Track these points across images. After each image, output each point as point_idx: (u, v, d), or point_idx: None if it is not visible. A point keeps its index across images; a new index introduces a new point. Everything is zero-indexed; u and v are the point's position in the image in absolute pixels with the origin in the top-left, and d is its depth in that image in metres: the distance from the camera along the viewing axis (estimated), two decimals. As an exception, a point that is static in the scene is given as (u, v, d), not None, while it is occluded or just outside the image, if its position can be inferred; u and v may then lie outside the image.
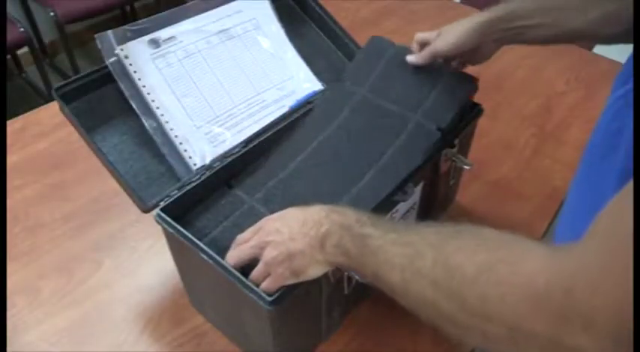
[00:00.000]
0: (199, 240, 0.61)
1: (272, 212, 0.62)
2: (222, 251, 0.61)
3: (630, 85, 0.46)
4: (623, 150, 0.44)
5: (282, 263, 0.54)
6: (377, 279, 0.49)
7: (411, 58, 0.76)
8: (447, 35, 0.72)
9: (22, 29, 2.06)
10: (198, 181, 0.69)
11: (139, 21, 0.74)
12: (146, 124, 0.73)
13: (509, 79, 1.25)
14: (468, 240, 0.42)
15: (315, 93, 0.85)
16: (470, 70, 0.80)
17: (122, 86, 0.72)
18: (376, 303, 0.79)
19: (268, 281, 0.56)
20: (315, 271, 0.55)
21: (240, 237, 0.61)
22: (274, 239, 0.56)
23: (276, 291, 0.56)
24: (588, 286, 0.32)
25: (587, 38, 0.67)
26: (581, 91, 1.23)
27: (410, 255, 0.45)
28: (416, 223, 0.51)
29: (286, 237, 0.55)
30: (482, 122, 0.83)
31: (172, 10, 0.77)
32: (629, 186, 0.32)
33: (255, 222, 0.60)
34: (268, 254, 0.55)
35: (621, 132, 0.46)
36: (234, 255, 0.59)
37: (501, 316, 0.37)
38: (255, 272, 0.57)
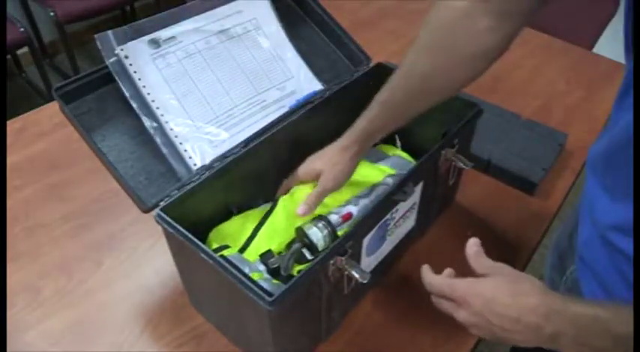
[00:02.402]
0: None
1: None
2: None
3: None
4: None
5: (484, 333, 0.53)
6: None
7: (301, 210, 0.72)
8: (329, 175, 0.72)
9: (22, 29, 2.06)
10: (198, 181, 0.69)
11: (139, 21, 0.74)
12: (146, 124, 0.73)
13: (509, 79, 1.25)
14: None
15: (315, 93, 0.85)
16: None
17: (122, 86, 0.72)
18: (376, 304, 0.79)
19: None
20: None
21: (434, 285, 0.58)
22: (479, 323, 0.53)
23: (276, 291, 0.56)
24: None
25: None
26: (581, 91, 1.23)
27: None
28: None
29: (496, 329, 0.51)
30: (482, 122, 0.83)
31: (172, 10, 0.77)
32: None
33: None
34: (472, 327, 0.54)
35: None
36: (434, 301, 0.58)
37: None
38: (448, 309, 0.56)
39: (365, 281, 0.63)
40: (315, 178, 0.74)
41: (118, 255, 0.86)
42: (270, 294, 0.55)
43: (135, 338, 0.75)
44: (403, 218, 0.76)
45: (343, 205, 0.75)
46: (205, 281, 0.68)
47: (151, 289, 0.81)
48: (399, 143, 0.94)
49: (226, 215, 0.78)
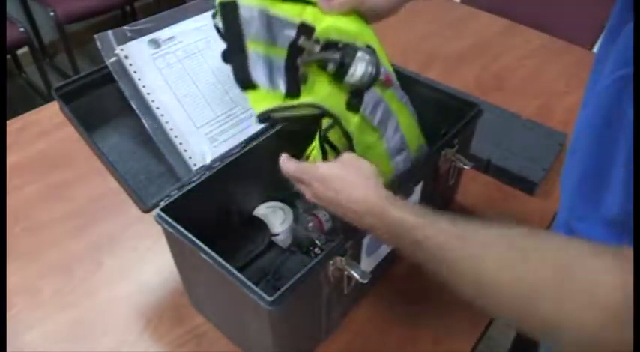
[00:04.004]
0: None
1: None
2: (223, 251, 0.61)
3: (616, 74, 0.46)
4: (618, 131, 0.45)
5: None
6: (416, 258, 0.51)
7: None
8: None
9: (22, 29, 2.06)
10: (198, 181, 0.69)
11: (139, 21, 0.74)
12: (146, 124, 0.73)
13: (509, 79, 1.25)
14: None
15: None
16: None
17: (122, 86, 0.72)
18: (376, 303, 0.79)
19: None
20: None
21: (289, 171, 0.63)
22: (320, 202, 0.60)
23: (276, 291, 0.56)
24: None
25: None
26: (581, 91, 1.22)
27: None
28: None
29: (332, 208, 0.59)
30: (482, 122, 0.83)
31: (172, 10, 0.77)
32: None
33: None
34: (319, 203, 0.60)
35: (614, 117, 0.46)
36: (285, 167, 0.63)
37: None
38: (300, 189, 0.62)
39: (365, 281, 0.63)
40: None
41: (118, 255, 0.86)
42: (270, 294, 0.55)
43: (135, 338, 0.75)
44: (403, 218, 0.76)
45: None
46: (205, 281, 0.68)
47: (151, 289, 0.81)
48: None
49: (226, 215, 0.79)
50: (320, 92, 0.65)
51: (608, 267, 0.38)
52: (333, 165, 0.60)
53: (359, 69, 0.61)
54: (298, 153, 0.77)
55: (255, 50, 0.65)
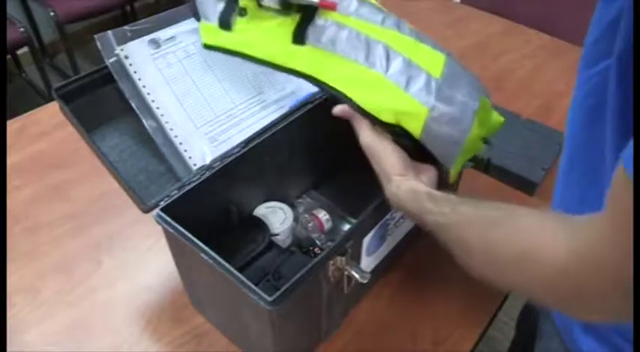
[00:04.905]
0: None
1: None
2: (223, 251, 0.61)
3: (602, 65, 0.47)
4: (605, 121, 0.46)
5: None
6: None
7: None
8: None
9: (22, 29, 2.06)
10: (198, 181, 0.69)
11: (139, 21, 0.74)
12: (146, 124, 0.73)
13: (509, 79, 1.25)
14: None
15: (315, 94, 0.85)
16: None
17: (122, 86, 0.72)
18: (376, 303, 0.79)
19: None
20: None
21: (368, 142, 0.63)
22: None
23: (276, 291, 0.56)
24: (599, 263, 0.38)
25: None
26: (581, 91, 1.23)
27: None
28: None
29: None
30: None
31: (172, 10, 0.77)
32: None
33: None
34: None
35: (601, 106, 0.47)
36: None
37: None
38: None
39: (365, 281, 0.63)
40: None
41: (118, 254, 0.86)
42: (270, 294, 0.55)
43: (135, 338, 0.75)
44: (403, 218, 0.76)
45: None
46: (205, 282, 0.68)
47: (151, 289, 0.81)
48: None
49: (226, 215, 0.79)
50: (258, 27, 0.67)
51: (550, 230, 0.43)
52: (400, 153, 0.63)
53: None
54: (298, 154, 0.77)
55: None
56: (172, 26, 0.77)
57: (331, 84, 0.64)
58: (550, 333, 0.68)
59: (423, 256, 0.85)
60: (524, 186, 0.97)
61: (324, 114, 0.83)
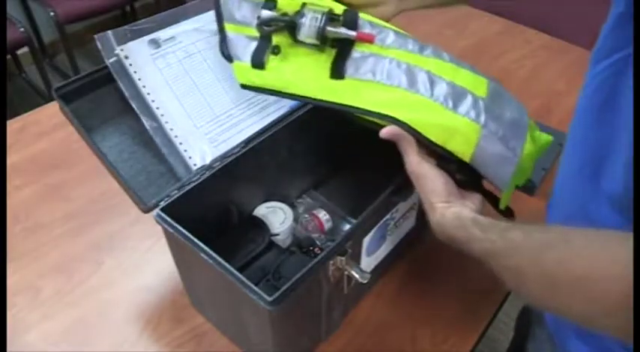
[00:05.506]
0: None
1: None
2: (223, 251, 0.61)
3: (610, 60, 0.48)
4: (620, 112, 0.45)
5: None
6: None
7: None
8: None
9: (22, 29, 2.06)
10: (198, 181, 0.69)
11: (139, 21, 0.74)
12: (146, 124, 0.73)
13: (509, 79, 1.25)
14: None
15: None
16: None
17: (122, 86, 0.72)
18: (376, 303, 0.79)
19: None
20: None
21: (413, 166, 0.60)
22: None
23: (276, 291, 0.56)
24: None
25: None
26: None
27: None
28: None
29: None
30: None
31: (172, 10, 0.77)
32: None
33: None
34: None
35: (613, 99, 0.47)
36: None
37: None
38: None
39: (365, 281, 0.63)
40: None
41: (118, 255, 0.86)
42: (270, 294, 0.55)
43: (135, 338, 0.75)
44: (403, 218, 0.76)
45: None
46: (205, 282, 0.68)
47: (151, 289, 0.81)
48: None
49: (226, 215, 0.78)
50: (292, 64, 0.66)
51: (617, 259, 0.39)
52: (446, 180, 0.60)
53: (306, 23, 0.62)
54: (299, 154, 0.77)
55: (233, 32, 0.68)
56: (172, 26, 0.76)
57: (375, 110, 0.61)
58: (542, 336, 0.68)
59: (423, 256, 0.85)
60: (524, 186, 0.97)
61: (324, 115, 0.83)
